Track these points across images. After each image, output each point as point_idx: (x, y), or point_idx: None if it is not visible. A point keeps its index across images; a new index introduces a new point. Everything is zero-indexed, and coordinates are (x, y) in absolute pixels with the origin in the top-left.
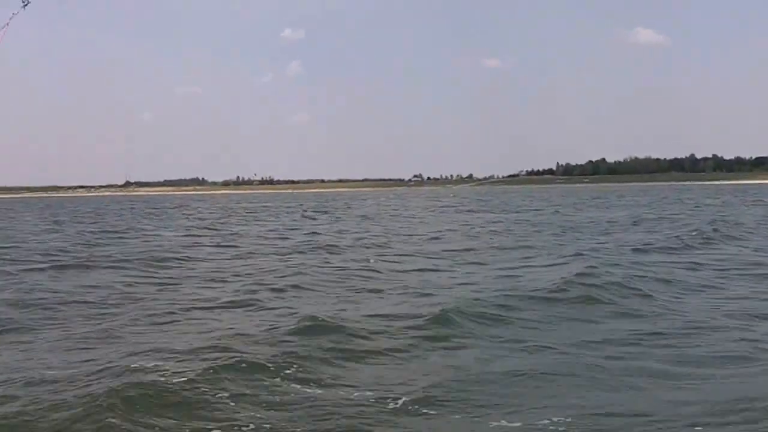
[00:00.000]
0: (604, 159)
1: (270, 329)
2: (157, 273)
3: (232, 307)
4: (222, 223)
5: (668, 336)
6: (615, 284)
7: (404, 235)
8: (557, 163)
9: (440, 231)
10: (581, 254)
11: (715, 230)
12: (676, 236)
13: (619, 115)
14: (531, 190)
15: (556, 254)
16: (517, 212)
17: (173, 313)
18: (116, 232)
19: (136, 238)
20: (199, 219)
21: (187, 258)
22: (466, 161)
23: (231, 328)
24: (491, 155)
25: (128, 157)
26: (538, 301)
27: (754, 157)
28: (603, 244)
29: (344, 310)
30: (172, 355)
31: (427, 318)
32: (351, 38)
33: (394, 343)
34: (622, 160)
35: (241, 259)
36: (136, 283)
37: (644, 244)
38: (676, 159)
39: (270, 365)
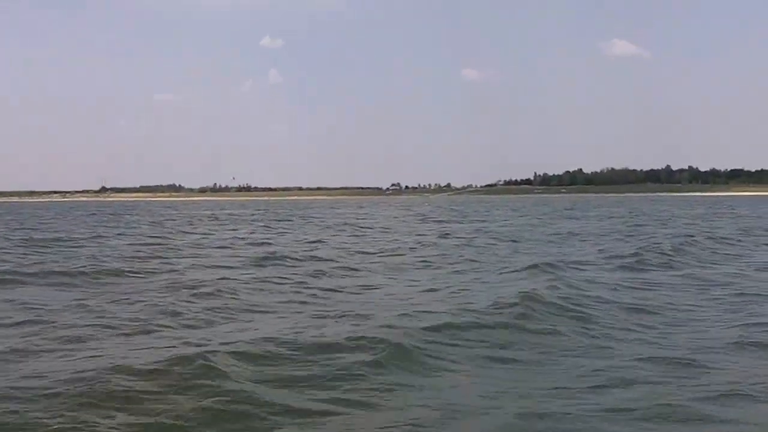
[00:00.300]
0: (581, 170)
1: (163, 368)
2: (79, 288)
3: (136, 335)
4: (176, 233)
5: (644, 381)
6: (579, 311)
7: (360, 246)
8: (535, 173)
9: (401, 241)
10: (546, 271)
11: (689, 245)
12: (648, 251)
13: (597, 126)
14: (508, 199)
15: (515, 269)
16: (486, 222)
17: (66, 339)
18: (62, 240)
19: (80, 247)
20: (159, 226)
21: (120, 271)
22: (444, 171)
23: (113, 366)
24: (470, 165)
25: (106, 164)
26: (490, 329)
27: (729, 170)
28: (572, 258)
29: (260, 339)
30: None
31: (363, 354)
32: (330, 48)
33: (312, 398)
34: (599, 170)
35: (177, 273)
36: (50, 301)
37: (614, 257)
38: (652, 170)
39: None
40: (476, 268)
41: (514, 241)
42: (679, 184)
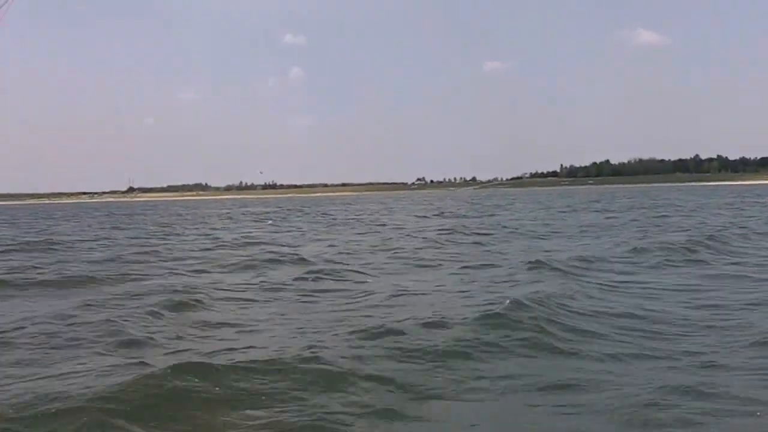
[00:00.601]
0: (608, 160)
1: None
2: (41, 298)
3: (57, 363)
4: (180, 234)
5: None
6: (594, 325)
7: (364, 244)
8: (561, 165)
9: (409, 239)
10: (557, 270)
11: (719, 239)
12: (676, 247)
13: (624, 116)
14: (533, 192)
15: (522, 269)
16: (504, 216)
17: None
18: (57, 243)
19: (68, 249)
20: (167, 227)
21: (94, 279)
22: (470, 164)
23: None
24: (496, 158)
25: (133, 164)
26: (485, 351)
27: (759, 158)
28: (588, 255)
29: (198, 368)
30: None
31: (326, 396)
32: (353, 43)
33: None
34: (626, 161)
35: (152, 279)
36: (4, 313)
37: (637, 253)
38: (680, 160)
39: None
40: (480, 268)
41: (530, 237)
42: (708, 174)
